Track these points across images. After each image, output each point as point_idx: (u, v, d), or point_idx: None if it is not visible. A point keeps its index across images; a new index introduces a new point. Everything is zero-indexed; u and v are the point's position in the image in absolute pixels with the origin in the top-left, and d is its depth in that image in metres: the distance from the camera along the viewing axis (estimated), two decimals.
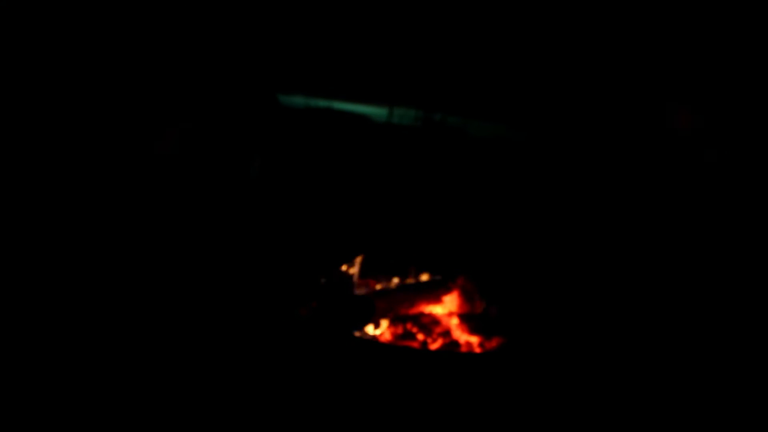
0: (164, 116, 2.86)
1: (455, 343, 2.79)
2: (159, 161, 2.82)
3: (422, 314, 2.97)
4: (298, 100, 3.51)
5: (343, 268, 3.07)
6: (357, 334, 2.77)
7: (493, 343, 2.78)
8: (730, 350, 2.63)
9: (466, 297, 3.01)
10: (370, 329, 2.82)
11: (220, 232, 2.91)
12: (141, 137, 2.80)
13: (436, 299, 3.02)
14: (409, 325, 2.89)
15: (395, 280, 3.17)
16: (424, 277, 3.19)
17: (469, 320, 2.93)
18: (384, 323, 2.85)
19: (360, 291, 3.05)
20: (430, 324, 2.91)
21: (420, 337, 2.83)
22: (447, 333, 2.86)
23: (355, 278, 3.10)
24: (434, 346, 2.77)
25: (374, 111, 3.53)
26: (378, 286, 3.11)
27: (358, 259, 3.09)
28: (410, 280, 3.17)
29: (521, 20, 3.44)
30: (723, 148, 3.16)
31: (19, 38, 2.71)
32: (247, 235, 2.96)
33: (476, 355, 2.72)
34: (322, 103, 3.50)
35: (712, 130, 3.22)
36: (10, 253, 2.49)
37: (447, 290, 3.05)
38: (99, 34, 2.85)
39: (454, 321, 2.94)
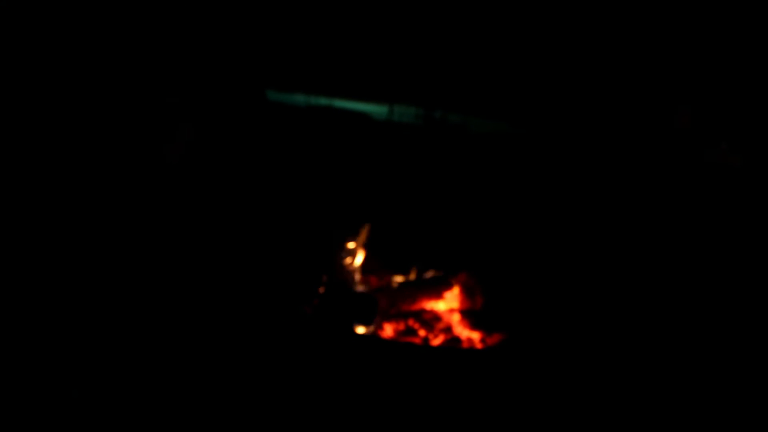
0: (172, 119, 2.89)
1: (457, 339, 2.79)
2: (168, 164, 2.85)
3: (424, 310, 2.98)
4: (300, 99, 3.53)
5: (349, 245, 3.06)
6: (360, 330, 2.78)
7: (495, 338, 2.79)
8: (729, 343, 2.63)
9: (468, 293, 3.02)
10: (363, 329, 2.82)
11: (225, 231, 2.93)
12: (152, 141, 2.82)
13: (438, 295, 3.03)
14: (411, 322, 2.90)
15: (398, 277, 3.18)
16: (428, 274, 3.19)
17: (470, 316, 2.93)
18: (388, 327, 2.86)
19: (362, 288, 3.05)
20: (432, 320, 2.92)
21: (422, 333, 2.83)
22: (449, 329, 2.87)
23: (358, 275, 3.10)
24: (436, 342, 2.78)
25: (375, 109, 3.54)
26: (380, 283, 3.12)
27: (361, 256, 3.09)
28: (412, 277, 3.18)
29: (524, 20, 3.44)
30: (732, 147, 3.15)
31: (27, 45, 2.74)
32: (251, 234, 2.97)
33: (478, 351, 2.73)
34: (323, 101, 3.52)
35: (712, 128, 3.21)
36: (20, 252, 2.52)
37: (448, 286, 3.05)
38: (103, 38, 2.87)
39: (456, 317, 2.95)
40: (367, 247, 3.13)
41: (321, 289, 2.94)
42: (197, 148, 2.97)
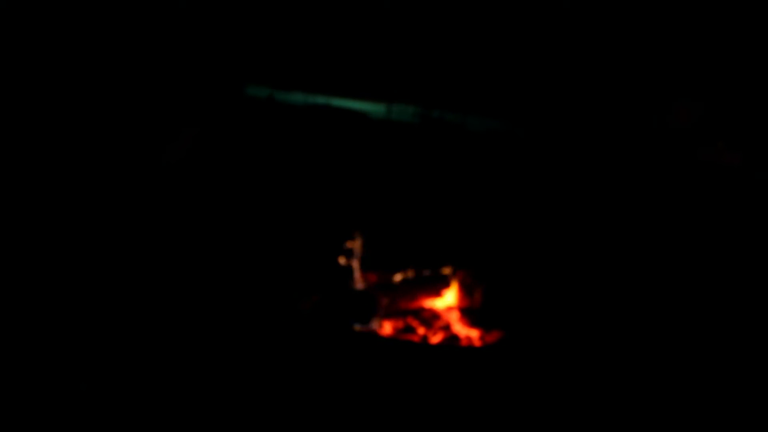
0: (174, 120, 2.89)
1: (455, 337, 2.80)
2: (166, 164, 2.85)
3: (423, 308, 2.98)
4: (298, 97, 3.53)
5: (343, 260, 3.07)
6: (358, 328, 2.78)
7: (493, 336, 2.79)
8: (729, 344, 2.64)
9: (466, 291, 3.02)
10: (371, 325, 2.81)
11: (224, 230, 2.92)
12: (153, 143, 2.83)
13: (437, 293, 3.03)
14: (410, 320, 2.90)
15: (396, 275, 3.17)
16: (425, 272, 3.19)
17: (469, 314, 2.93)
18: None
19: (361, 286, 3.05)
20: (431, 318, 2.92)
21: (421, 331, 2.83)
22: (447, 327, 2.87)
23: (357, 273, 3.10)
24: (435, 339, 2.78)
25: (373, 108, 3.55)
26: (380, 281, 3.12)
27: (358, 253, 3.09)
28: (411, 275, 3.18)
29: (519, 18, 3.44)
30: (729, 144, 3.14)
31: (31, 47, 2.74)
32: (249, 232, 2.97)
33: (476, 348, 2.73)
34: (321, 100, 3.52)
35: (709, 125, 3.21)
36: (22, 250, 2.52)
37: (447, 284, 3.05)
38: (102, 37, 2.87)
39: (455, 315, 2.95)
40: (365, 246, 3.13)
41: (319, 287, 2.94)
42: (196, 148, 2.97)
